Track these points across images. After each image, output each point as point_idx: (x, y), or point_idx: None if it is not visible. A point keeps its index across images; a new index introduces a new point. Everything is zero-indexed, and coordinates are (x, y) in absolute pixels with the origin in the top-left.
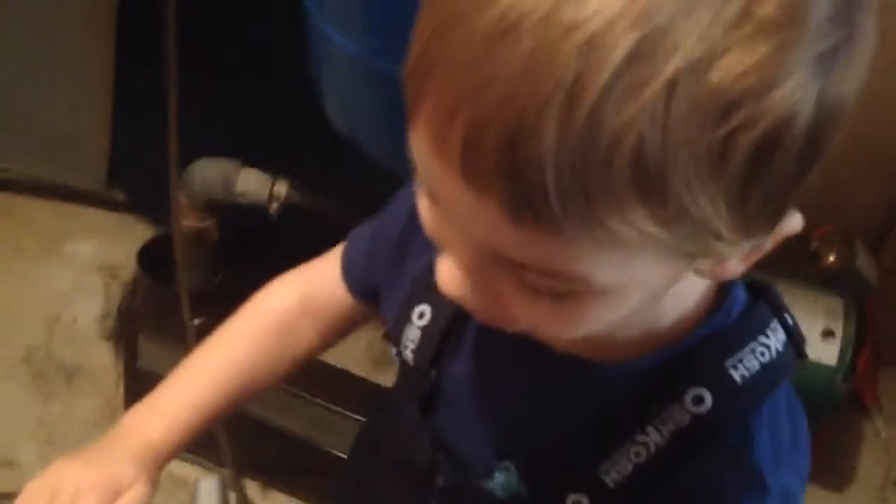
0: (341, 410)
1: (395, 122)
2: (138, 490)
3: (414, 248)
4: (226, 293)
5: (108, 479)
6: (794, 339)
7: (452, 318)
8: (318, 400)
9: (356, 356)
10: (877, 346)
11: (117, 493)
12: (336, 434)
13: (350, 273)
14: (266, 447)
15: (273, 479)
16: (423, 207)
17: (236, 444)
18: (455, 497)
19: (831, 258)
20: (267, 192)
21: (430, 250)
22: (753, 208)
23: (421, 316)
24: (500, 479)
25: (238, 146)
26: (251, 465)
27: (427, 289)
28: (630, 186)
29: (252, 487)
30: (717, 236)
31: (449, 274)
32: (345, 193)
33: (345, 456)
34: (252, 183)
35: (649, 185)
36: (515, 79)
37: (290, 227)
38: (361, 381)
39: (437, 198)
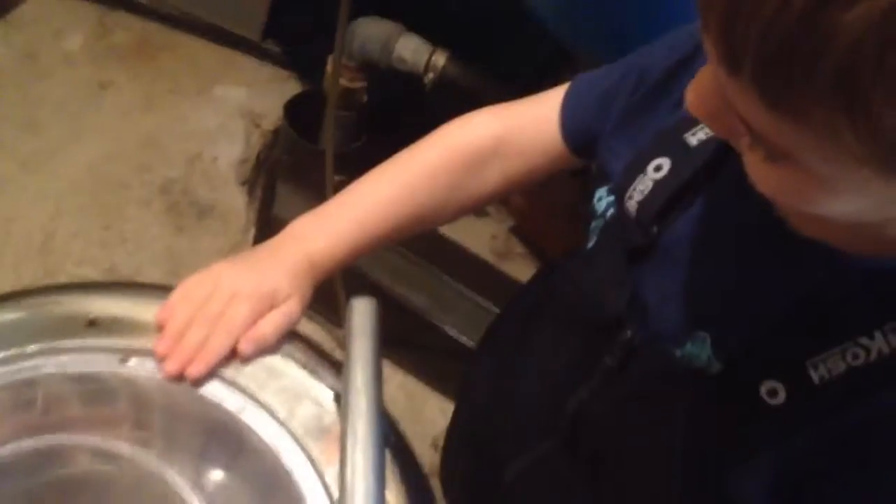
0: (465, 290)
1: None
2: (291, 306)
3: (665, 103)
4: (365, 157)
5: (264, 290)
6: None
7: (692, 177)
8: (444, 276)
9: (480, 247)
10: None
11: (271, 305)
12: (453, 314)
13: (573, 120)
14: (384, 316)
15: (384, 347)
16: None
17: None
18: (634, 356)
19: None
20: (425, 60)
21: (678, 112)
22: None
23: (658, 169)
24: (691, 349)
25: (405, 13)
26: None
27: (672, 143)
28: (832, 88)
29: None
30: None
31: (696, 89)
32: (504, 77)
33: (459, 336)
34: (411, 48)
35: (853, 94)
36: None
37: (443, 102)
38: (487, 267)
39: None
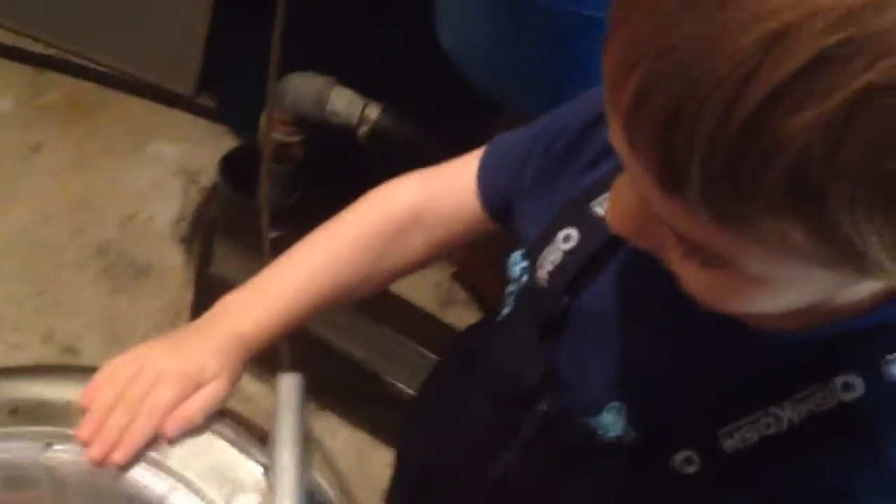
0: (408, 342)
1: (513, 53)
2: (218, 384)
3: (573, 168)
4: (302, 211)
5: (190, 369)
6: None
7: (601, 248)
8: (385, 328)
9: (424, 295)
10: None
11: (198, 385)
12: (399, 365)
13: (489, 186)
14: (327, 369)
15: (330, 402)
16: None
17: (297, 361)
18: (551, 427)
19: None
20: (358, 113)
21: (588, 175)
22: None
23: (567, 239)
24: (606, 419)
25: (336, 66)
26: (310, 385)
27: (579, 213)
28: (783, 194)
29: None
30: (871, 262)
31: (617, 207)
32: (437, 126)
33: (405, 388)
34: (344, 102)
35: (805, 197)
36: (694, 52)
37: (378, 154)
38: (430, 317)
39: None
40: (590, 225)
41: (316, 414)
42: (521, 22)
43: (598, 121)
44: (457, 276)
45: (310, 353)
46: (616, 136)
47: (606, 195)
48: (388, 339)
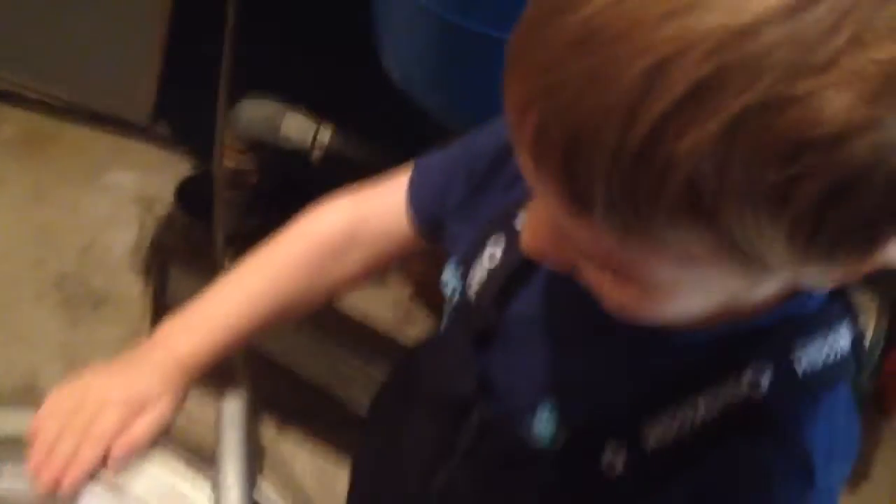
0: (363, 363)
1: (459, 80)
2: (162, 408)
3: (496, 187)
4: (260, 236)
5: (134, 394)
6: (859, 343)
7: (523, 262)
8: (343, 349)
9: (382, 314)
10: None
11: (142, 409)
12: (356, 387)
13: (419, 206)
14: (284, 390)
15: (287, 423)
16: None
17: (254, 382)
18: (487, 435)
19: None
20: (310, 137)
21: (509, 194)
22: (825, 242)
23: (493, 254)
24: (540, 423)
25: (288, 92)
26: (266, 405)
27: (503, 229)
28: (681, 210)
29: (265, 429)
30: (767, 268)
31: (530, 232)
32: (389, 148)
33: (362, 410)
34: (296, 127)
35: (701, 213)
36: (584, 86)
37: (331, 177)
38: (386, 338)
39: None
40: (513, 240)
41: (274, 435)
42: (463, 48)
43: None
44: (416, 295)
45: (266, 374)
46: (524, 163)
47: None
48: (347, 360)
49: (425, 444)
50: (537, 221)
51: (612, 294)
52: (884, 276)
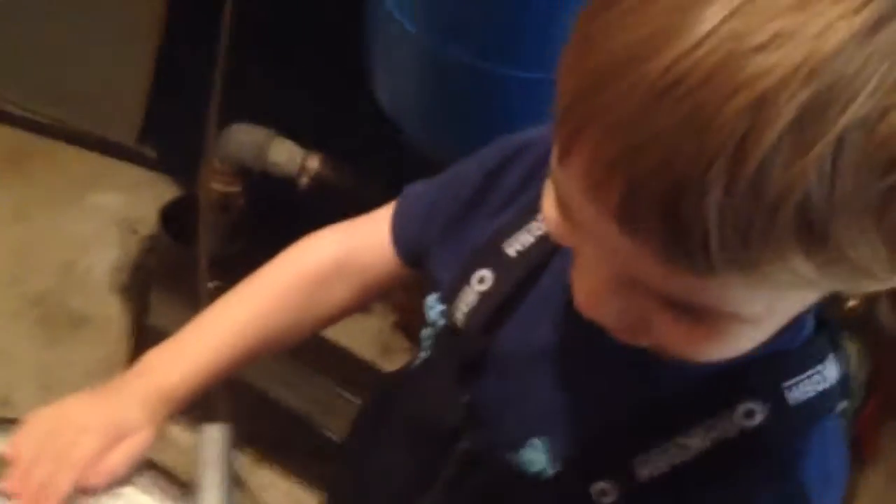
0: (345, 393)
1: (448, 110)
2: (141, 437)
3: (482, 213)
4: (244, 261)
5: (114, 422)
6: (846, 375)
7: (515, 287)
8: (323, 379)
9: (365, 343)
10: (887, 398)
11: (120, 437)
12: (337, 417)
13: (402, 234)
14: (264, 420)
15: (267, 454)
16: (553, 215)
17: (234, 412)
18: (472, 465)
19: (853, 303)
20: (298, 164)
21: (497, 218)
22: None
23: (482, 280)
24: (529, 454)
25: (277, 118)
26: (246, 436)
27: (492, 255)
28: (792, 236)
29: (243, 457)
30: (872, 277)
31: (589, 292)
32: (376, 176)
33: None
34: (284, 154)
35: (812, 234)
36: (679, 135)
37: (318, 204)
38: (369, 367)
39: (578, 224)
40: (503, 266)
41: (253, 466)
42: (452, 81)
43: (500, 168)
44: (398, 325)
45: (247, 404)
46: (595, 225)
47: (518, 235)
48: (326, 390)
49: (406, 471)
50: (593, 282)
51: (679, 338)
52: (868, 324)
